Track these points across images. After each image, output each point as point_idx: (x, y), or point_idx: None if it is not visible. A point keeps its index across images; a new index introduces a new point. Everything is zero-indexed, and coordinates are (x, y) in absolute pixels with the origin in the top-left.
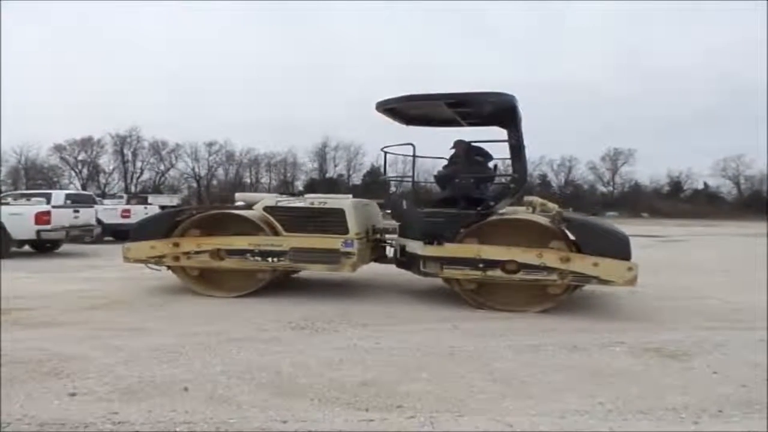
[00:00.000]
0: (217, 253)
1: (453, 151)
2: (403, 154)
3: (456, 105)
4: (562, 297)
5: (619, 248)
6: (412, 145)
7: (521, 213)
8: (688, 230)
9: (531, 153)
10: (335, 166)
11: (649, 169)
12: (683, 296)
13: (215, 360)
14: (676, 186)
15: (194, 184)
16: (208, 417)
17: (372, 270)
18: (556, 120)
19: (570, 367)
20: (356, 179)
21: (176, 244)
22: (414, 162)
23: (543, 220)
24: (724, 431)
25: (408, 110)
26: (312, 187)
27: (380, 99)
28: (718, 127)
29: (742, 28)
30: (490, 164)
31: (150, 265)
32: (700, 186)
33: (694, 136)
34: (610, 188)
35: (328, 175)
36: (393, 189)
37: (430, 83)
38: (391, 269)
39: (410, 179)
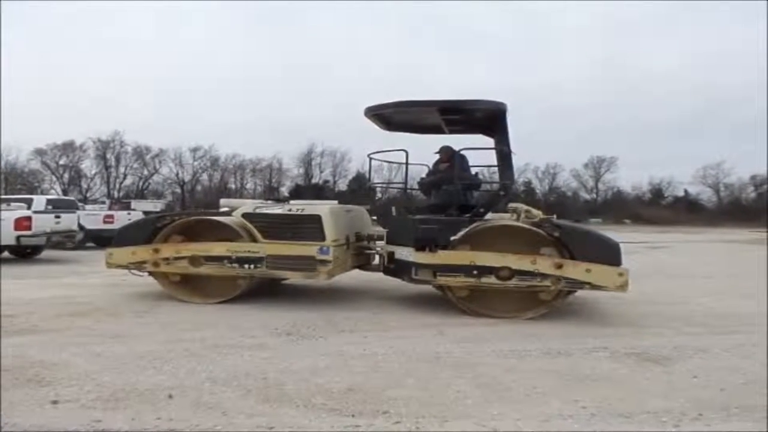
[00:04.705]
0: (196, 260)
1: (437, 157)
2: (389, 161)
3: (446, 111)
4: (554, 303)
5: (610, 254)
6: (405, 151)
7: (513, 220)
8: (669, 237)
9: (515, 160)
10: (321, 172)
11: (631, 177)
12: (665, 302)
13: (200, 367)
14: (657, 193)
15: (178, 190)
16: (193, 424)
17: (358, 277)
18: (541, 127)
19: (554, 372)
20: (342, 185)
21: (156, 250)
22: (407, 169)
23: (534, 226)
24: None
25: (394, 116)
26: (298, 193)
27: (365, 103)
28: (698, 136)
29: (724, 37)
30: (472, 171)
31: (133, 270)
32: (681, 193)
33: (676, 143)
34: (594, 195)
35: (314, 181)
36: (378, 195)
37: (412, 86)
38: (378, 276)
39: (396, 186)
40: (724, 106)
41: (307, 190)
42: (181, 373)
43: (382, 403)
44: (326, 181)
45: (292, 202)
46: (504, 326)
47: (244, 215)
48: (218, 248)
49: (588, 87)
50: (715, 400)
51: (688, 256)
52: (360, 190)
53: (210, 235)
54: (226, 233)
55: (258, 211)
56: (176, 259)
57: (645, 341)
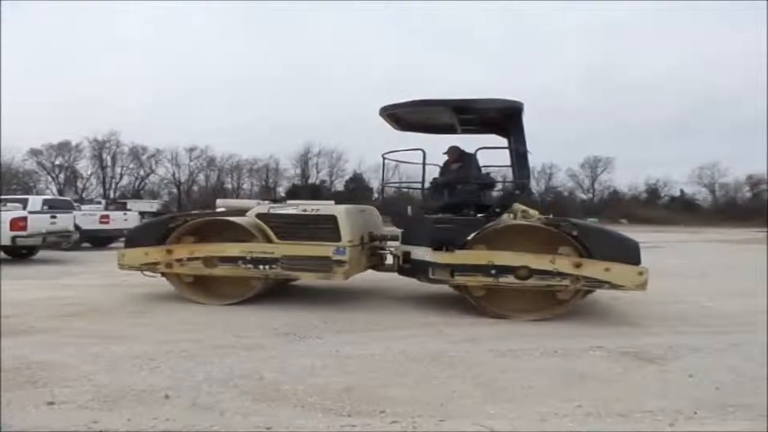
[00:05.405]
0: (210, 261)
1: (442, 158)
2: (400, 161)
3: (462, 111)
4: (571, 302)
5: (629, 253)
6: (422, 150)
7: (529, 219)
8: (665, 236)
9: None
10: (318, 172)
11: (627, 177)
12: (661, 301)
13: (197, 367)
14: (653, 193)
15: (174, 190)
16: (189, 424)
17: (355, 277)
18: (538, 127)
19: (550, 371)
20: (339, 185)
21: (169, 251)
22: (424, 169)
23: (552, 226)
24: None
25: (407, 115)
26: (294, 192)
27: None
28: (694, 136)
29: (717, 40)
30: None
31: (145, 272)
32: (677, 193)
33: (672, 144)
34: (590, 195)
35: (310, 181)
36: (375, 195)
37: (410, 86)
38: (374, 276)
39: (412, 186)
40: (719, 107)
41: (303, 190)
42: (177, 374)
43: (378, 403)
44: (323, 181)
45: (289, 201)
46: (501, 326)
47: (259, 216)
48: (233, 249)
49: (583, 88)
50: (710, 398)
51: (684, 255)
52: (358, 189)
53: (222, 236)
54: (238, 234)
55: (273, 211)
56: (190, 260)
57: (641, 340)
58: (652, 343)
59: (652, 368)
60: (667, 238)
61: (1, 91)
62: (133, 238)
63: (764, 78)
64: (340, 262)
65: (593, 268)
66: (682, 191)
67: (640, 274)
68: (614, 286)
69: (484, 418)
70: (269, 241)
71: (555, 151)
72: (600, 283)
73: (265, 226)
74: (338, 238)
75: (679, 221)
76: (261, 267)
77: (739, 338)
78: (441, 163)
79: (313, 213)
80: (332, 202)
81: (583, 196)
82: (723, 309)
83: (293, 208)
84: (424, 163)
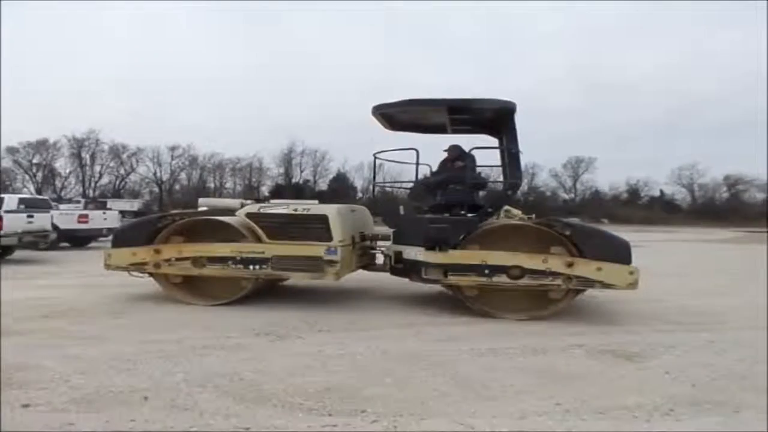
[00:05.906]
0: (199, 261)
1: (445, 156)
2: (393, 161)
3: (455, 111)
4: (563, 301)
5: (620, 253)
6: (415, 150)
7: (522, 219)
8: (645, 236)
9: (497, 161)
10: (301, 171)
11: (608, 177)
12: (640, 299)
13: (176, 368)
14: (634, 193)
15: (156, 189)
16: (168, 426)
17: (347, 277)
18: (526, 128)
19: (530, 369)
20: (322, 185)
21: (158, 251)
22: (417, 168)
23: (544, 225)
24: (675, 429)
25: (400, 114)
26: (278, 192)
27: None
28: (674, 137)
29: (694, 43)
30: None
31: (132, 272)
32: (657, 193)
33: (652, 145)
34: (572, 195)
35: (294, 181)
36: (360, 195)
37: (399, 87)
38: (355, 276)
39: (403, 185)
40: (699, 109)
41: (287, 189)
42: (156, 375)
43: (359, 403)
44: (306, 181)
45: (272, 201)
46: (481, 325)
47: (249, 215)
48: (223, 249)
49: (571, 88)
50: (686, 395)
51: (663, 254)
52: (341, 189)
53: (210, 236)
54: (228, 234)
55: (263, 211)
56: (178, 260)
57: (619, 338)
58: (630, 341)
59: (630, 366)
60: (648, 238)
61: (1, 91)
62: (121, 238)
63: (757, 78)
64: (331, 262)
65: (585, 268)
66: (662, 191)
67: (631, 273)
68: (606, 286)
69: (464, 417)
70: (259, 240)
71: (538, 151)
72: (592, 283)
73: (255, 226)
74: (330, 238)
75: (659, 221)
76: (251, 267)
77: (715, 336)
78: (432, 163)
79: (305, 213)
80: (316, 201)
81: (565, 196)
82: (700, 307)
83: (284, 207)
84: (417, 163)
